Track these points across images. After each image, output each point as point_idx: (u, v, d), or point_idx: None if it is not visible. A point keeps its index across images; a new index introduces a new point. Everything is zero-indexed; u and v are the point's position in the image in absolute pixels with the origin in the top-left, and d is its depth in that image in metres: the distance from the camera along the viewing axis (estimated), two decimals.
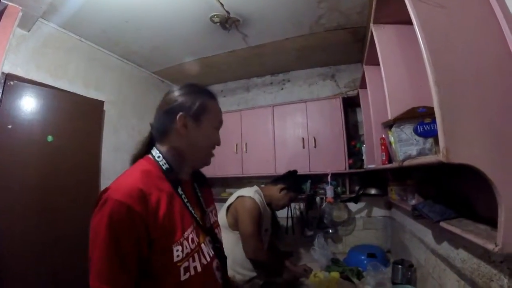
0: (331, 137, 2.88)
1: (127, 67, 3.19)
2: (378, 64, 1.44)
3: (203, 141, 1.05)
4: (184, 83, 1.10)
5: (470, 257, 1.13)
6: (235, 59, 3.20)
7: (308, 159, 2.93)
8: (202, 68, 3.35)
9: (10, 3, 1.86)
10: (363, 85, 2.31)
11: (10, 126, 2.06)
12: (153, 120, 1.08)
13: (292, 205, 3.16)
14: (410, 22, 0.88)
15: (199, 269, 0.95)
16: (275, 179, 2.38)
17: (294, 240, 3.19)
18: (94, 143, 2.70)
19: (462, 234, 0.93)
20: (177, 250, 0.90)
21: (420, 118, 1.07)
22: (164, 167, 1.00)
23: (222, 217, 2.11)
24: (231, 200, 2.18)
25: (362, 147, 2.60)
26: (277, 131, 3.11)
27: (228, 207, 2.15)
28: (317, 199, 3.11)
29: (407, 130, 1.13)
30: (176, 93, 1.05)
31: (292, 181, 2.33)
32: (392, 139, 1.25)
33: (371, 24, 1.51)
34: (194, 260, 0.94)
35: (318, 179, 3.13)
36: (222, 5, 2.19)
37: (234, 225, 2.08)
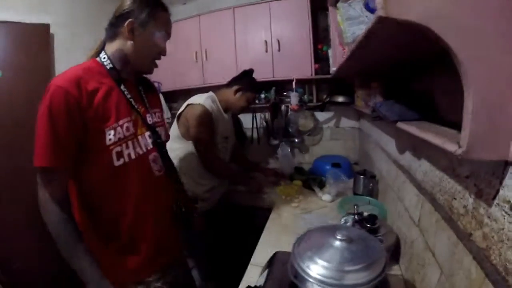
0: (296, 40, 2.60)
1: None
2: None
3: (147, 48, 1.12)
4: None
5: (433, 169, 0.97)
6: None
7: (272, 64, 2.69)
8: None
9: None
10: None
11: None
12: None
13: (258, 114, 3.08)
14: None
15: (133, 156, 1.06)
16: (229, 82, 2.16)
17: (259, 149, 3.13)
18: (45, 69, 2.52)
19: (419, 134, 0.77)
20: (109, 134, 1.00)
21: None
22: (108, 67, 1.09)
23: (173, 126, 2.01)
24: (181, 109, 2.01)
25: (329, 51, 2.33)
26: (238, 36, 2.80)
27: (179, 116, 1.99)
28: (283, 107, 2.94)
29: (357, 5, 0.87)
30: (129, 0, 1.08)
31: (247, 80, 2.12)
32: (339, 18, 0.99)
33: None
34: (128, 147, 1.05)
35: (283, 86, 2.92)
36: None
37: (187, 134, 1.94)
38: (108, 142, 0.99)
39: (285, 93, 2.90)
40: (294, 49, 2.62)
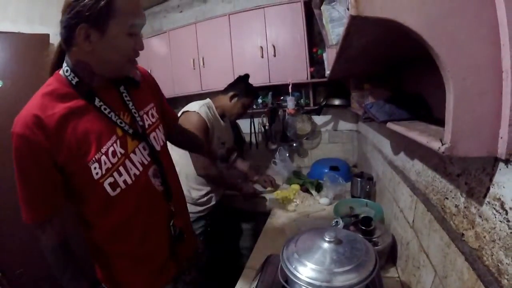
0: (291, 44, 2.60)
1: None
2: None
3: (112, 54, 0.86)
4: None
5: (425, 168, 0.96)
6: None
7: (268, 69, 2.69)
8: None
9: None
10: None
11: None
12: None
13: (255, 119, 3.08)
14: None
15: (129, 181, 0.93)
16: (225, 88, 2.15)
17: (257, 154, 3.13)
18: (45, 79, 2.46)
19: (405, 132, 0.76)
20: (95, 168, 0.87)
21: None
22: (73, 82, 0.88)
23: None
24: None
25: (324, 54, 2.33)
26: (234, 42, 2.80)
27: None
28: (280, 111, 2.93)
29: (340, 7, 0.87)
30: None
31: (242, 86, 2.11)
32: (324, 20, 0.98)
33: None
34: (121, 174, 0.92)
35: (280, 91, 2.92)
36: None
37: None
38: (96, 177, 0.87)
39: (282, 98, 2.90)
40: (289, 54, 2.62)
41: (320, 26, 1.07)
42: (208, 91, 2.93)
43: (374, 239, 1.16)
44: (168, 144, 1.23)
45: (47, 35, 2.51)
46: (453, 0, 0.46)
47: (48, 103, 0.84)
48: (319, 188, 2.20)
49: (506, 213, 0.53)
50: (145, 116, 1.04)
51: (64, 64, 0.90)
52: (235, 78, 2.22)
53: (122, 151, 0.93)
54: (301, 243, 0.73)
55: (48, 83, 0.91)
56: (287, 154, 2.71)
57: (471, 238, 0.65)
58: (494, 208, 0.57)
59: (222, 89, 2.16)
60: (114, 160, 0.90)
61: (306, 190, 2.23)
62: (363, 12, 0.47)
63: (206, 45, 2.92)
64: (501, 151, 0.50)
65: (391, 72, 1.29)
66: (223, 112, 2.10)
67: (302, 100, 2.84)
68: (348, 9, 0.78)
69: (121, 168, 0.92)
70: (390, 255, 1.24)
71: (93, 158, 0.86)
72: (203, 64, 2.94)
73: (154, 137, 1.05)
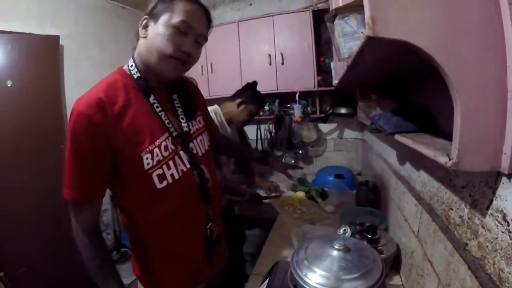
0: (299, 53, 2.64)
1: None
2: None
3: (157, 40, 0.91)
4: None
5: (430, 179, 0.99)
6: None
7: (276, 76, 2.73)
8: None
9: None
10: None
11: None
12: None
13: (262, 126, 3.11)
14: None
15: (176, 176, 0.97)
16: (233, 95, 2.17)
17: None
18: (54, 80, 2.56)
19: (412, 145, 0.77)
20: (147, 158, 0.91)
21: None
22: (135, 76, 0.96)
23: None
24: None
25: (331, 63, 2.36)
26: (243, 49, 2.85)
27: None
28: (286, 119, 2.97)
29: (352, 22, 0.90)
30: None
31: (250, 93, 2.13)
32: (336, 34, 1.02)
33: None
34: (169, 168, 0.95)
35: (287, 98, 2.95)
36: None
37: None
38: (146, 167, 0.91)
39: (288, 105, 2.93)
40: (297, 62, 2.65)
41: (332, 38, 1.10)
42: (215, 97, 2.96)
43: (379, 248, 1.18)
44: None
45: (57, 37, 2.54)
46: (462, 23, 0.49)
47: (112, 91, 0.90)
48: (324, 195, 2.21)
49: (508, 224, 0.55)
50: (193, 121, 1.10)
51: (130, 60, 0.99)
52: (243, 85, 2.24)
53: (172, 148, 0.97)
54: (310, 250, 0.76)
55: (111, 74, 0.98)
56: (293, 161, 2.74)
57: (474, 247, 0.68)
58: (497, 220, 0.59)
59: (230, 95, 2.19)
60: (165, 154, 0.95)
61: (311, 198, 2.25)
62: (378, 34, 0.50)
63: (215, 51, 2.94)
64: (504, 166, 0.53)
65: (398, 83, 1.32)
66: (230, 119, 2.11)
67: (308, 108, 2.87)
68: (361, 24, 0.82)
69: (170, 162, 0.96)
70: (394, 263, 1.26)
71: (147, 149, 0.91)
72: (211, 70, 2.98)
73: (199, 141, 1.10)
